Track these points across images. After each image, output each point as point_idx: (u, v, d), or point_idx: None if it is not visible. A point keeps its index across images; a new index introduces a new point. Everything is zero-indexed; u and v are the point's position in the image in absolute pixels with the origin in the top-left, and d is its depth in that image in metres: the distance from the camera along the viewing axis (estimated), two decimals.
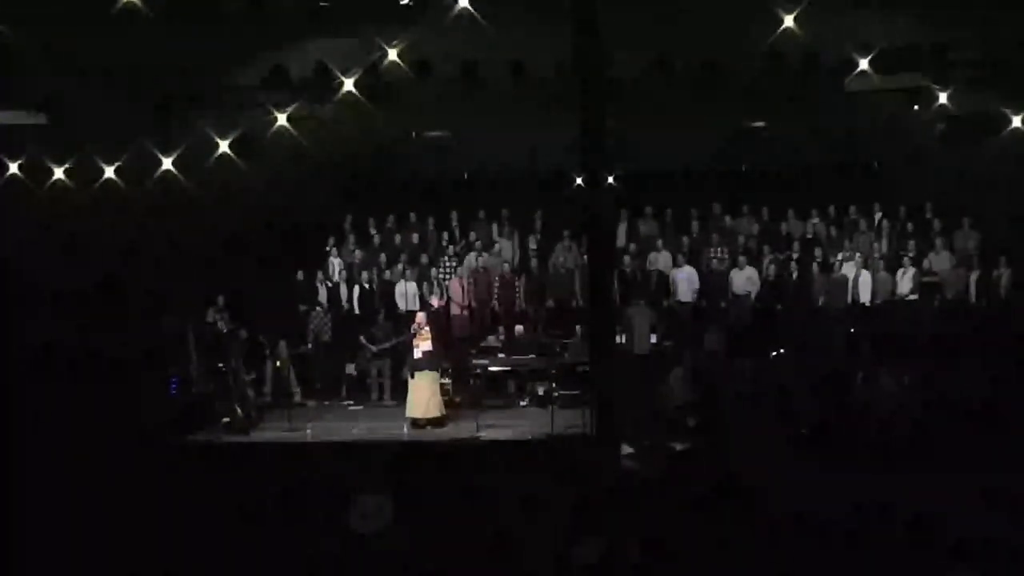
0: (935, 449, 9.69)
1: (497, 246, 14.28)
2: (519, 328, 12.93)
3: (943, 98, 11.78)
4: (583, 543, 7.57)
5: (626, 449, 9.99)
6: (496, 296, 13.69)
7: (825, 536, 7.74)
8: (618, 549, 7.55)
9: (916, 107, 12.23)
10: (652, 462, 9.80)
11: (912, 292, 12.83)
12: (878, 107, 12.42)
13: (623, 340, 11.99)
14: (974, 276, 12.84)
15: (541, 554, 7.58)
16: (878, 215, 14.00)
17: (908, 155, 13.45)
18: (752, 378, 11.45)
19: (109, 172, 11.11)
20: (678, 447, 10.20)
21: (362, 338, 12.75)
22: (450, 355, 12.35)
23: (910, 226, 13.61)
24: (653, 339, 12.44)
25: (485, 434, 10.98)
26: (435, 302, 13.44)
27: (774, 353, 11.99)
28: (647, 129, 12.51)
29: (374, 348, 12.62)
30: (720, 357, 12.10)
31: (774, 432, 10.18)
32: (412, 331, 11.52)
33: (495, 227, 14.57)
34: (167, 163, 11.39)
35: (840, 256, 13.37)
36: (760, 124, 13.69)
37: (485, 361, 12.43)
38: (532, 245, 14.31)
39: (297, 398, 12.48)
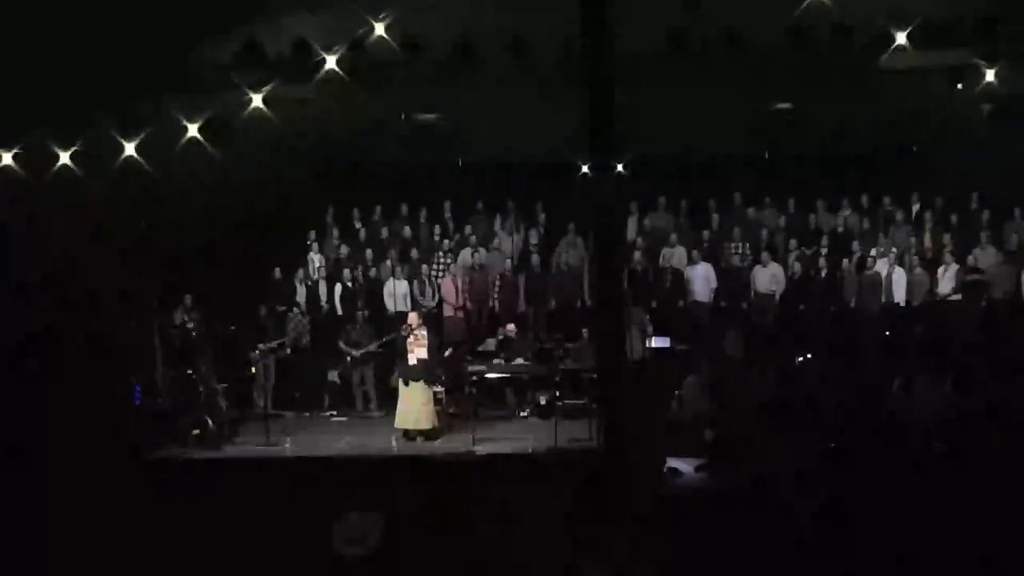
0: (979, 466, 9.63)
1: (496, 241, 14.24)
2: (511, 327, 12.88)
3: (990, 76, 11.70)
4: (590, 567, 7.53)
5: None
6: (495, 296, 13.65)
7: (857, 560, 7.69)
8: (626, 570, 7.51)
9: (960, 86, 12.16)
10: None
11: (954, 291, 12.80)
12: (917, 86, 12.35)
13: None
14: None
15: None
16: (916, 206, 13.94)
17: (950, 139, 13.39)
18: (776, 386, 11.39)
19: (64, 158, 11.05)
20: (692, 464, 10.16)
21: (340, 343, 12.71)
22: (444, 361, 12.30)
23: (952, 218, 13.57)
24: (665, 342, 12.40)
25: (482, 448, 10.91)
26: (427, 303, 13.41)
27: (800, 359, 11.94)
28: (661, 112, 12.45)
29: (354, 352, 12.58)
30: (740, 363, 12.05)
31: (800, 447, 10.12)
32: (404, 333, 11.47)
33: (493, 220, 14.52)
34: (129, 148, 11.32)
35: (874, 252, 13.31)
36: (786, 106, 13.62)
37: (482, 367, 12.38)
38: (533, 240, 14.26)
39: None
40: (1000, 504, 8.62)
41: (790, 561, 7.88)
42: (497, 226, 14.45)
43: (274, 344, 12.54)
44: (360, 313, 12.90)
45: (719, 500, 9.15)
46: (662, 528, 8.39)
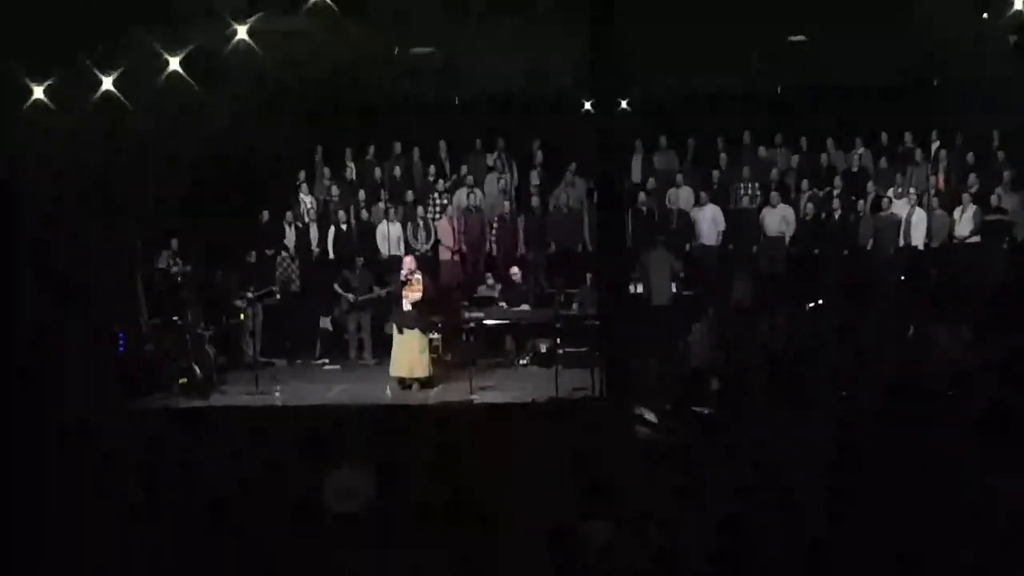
0: (1003, 423, 9.50)
1: (495, 181, 14.03)
2: (515, 271, 12.73)
3: (1019, 3, 11.38)
4: (592, 522, 7.44)
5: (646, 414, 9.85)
6: (493, 239, 13.52)
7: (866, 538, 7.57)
8: (632, 529, 7.42)
9: (985, 15, 11.86)
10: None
11: (974, 233, 12.66)
12: (938, 15, 12.02)
13: (637, 289, 11.85)
14: None
15: (544, 534, 7.46)
16: (935, 144, 13.73)
17: (973, 73, 13.09)
18: (786, 334, 11.27)
19: (38, 93, 10.80)
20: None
21: (336, 286, 12.59)
22: (440, 306, 12.18)
23: (972, 156, 13.32)
24: (674, 288, 12.32)
25: (479, 397, 10.85)
26: (421, 247, 13.27)
27: (812, 304, 11.82)
28: (666, 44, 12.17)
29: (351, 298, 12.46)
30: (749, 309, 11.93)
31: (810, 397, 10.02)
32: (401, 278, 11.33)
33: (490, 159, 14.31)
34: (107, 83, 11.08)
35: (890, 192, 13.17)
36: (799, 38, 13.32)
37: (480, 314, 12.25)
38: (534, 180, 14.09)
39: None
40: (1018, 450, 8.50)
41: (795, 515, 7.78)
42: (494, 166, 14.28)
43: (263, 290, 12.42)
44: (359, 257, 12.77)
45: (729, 450, 9.05)
46: (668, 480, 8.30)
